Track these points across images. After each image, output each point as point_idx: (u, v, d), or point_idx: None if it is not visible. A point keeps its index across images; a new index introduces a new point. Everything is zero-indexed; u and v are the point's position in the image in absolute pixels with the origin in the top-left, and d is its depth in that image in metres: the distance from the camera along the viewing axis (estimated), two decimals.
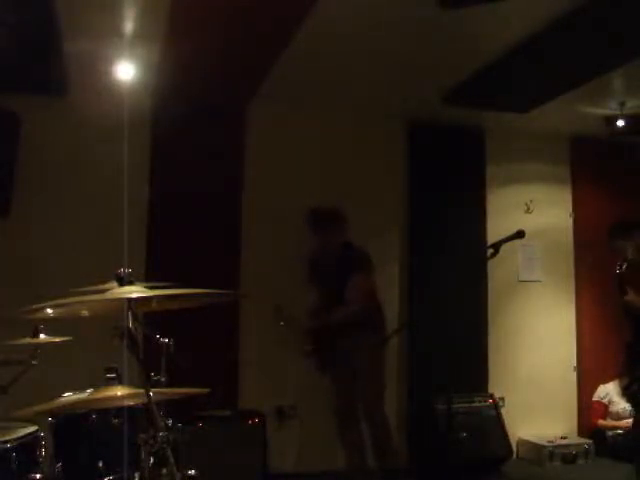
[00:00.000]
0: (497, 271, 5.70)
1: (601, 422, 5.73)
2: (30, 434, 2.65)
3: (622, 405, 5.63)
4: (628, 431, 5.29)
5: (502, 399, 5.65)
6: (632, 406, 5.13)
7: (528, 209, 6.07)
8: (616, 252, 4.31)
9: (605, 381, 5.85)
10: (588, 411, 5.90)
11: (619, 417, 5.68)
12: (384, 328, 4.69)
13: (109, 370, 2.58)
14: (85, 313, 2.43)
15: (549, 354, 5.98)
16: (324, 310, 4.54)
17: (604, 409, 5.77)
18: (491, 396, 5.54)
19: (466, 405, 5.28)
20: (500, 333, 5.85)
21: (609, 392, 5.80)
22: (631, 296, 4.14)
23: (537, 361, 5.93)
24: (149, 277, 4.35)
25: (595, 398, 5.85)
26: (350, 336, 4.45)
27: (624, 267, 4.22)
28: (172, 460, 2.05)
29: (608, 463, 5.40)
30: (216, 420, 4.34)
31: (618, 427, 5.56)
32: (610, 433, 5.55)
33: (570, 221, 6.21)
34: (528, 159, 6.15)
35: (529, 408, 5.81)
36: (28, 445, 2.62)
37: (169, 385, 2.53)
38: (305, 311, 4.67)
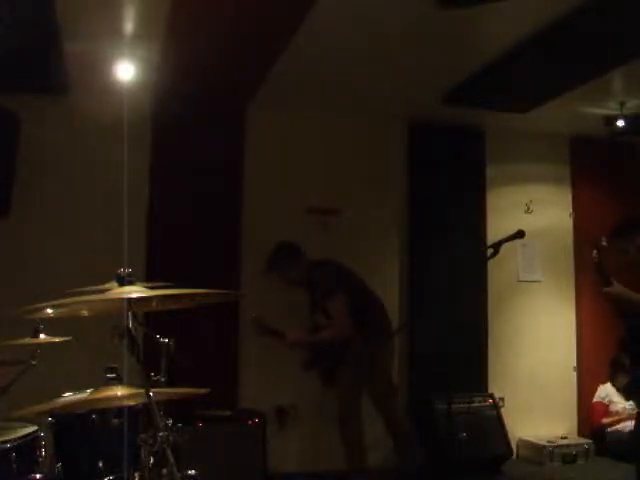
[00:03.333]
0: (497, 271, 5.70)
1: (605, 420, 5.71)
2: (30, 434, 2.64)
3: (622, 404, 5.64)
4: (630, 431, 5.29)
5: (502, 399, 5.65)
6: (633, 404, 5.14)
7: (528, 209, 6.06)
8: (618, 252, 4.23)
9: (604, 381, 5.85)
10: (588, 411, 5.89)
11: (620, 416, 5.68)
12: (389, 328, 4.71)
13: (109, 370, 2.58)
14: (85, 313, 2.43)
15: (549, 354, 5.97)
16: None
17: (605, 409, 5.76)
18: (491, 396, 5.54)
19: (466, 405, 5.27)
20: (500, 333, 5.85)
21: (609, 392, 5.79)
22: (616, 287, 3.67)
23: (537, 361, 5.92)
24: (149, 277, 4.35)
25: (596, 399, 5.84)
26: (356, 339, 4.47)
27: (598, 254, 3.73)
28: (172, 460, 2.05)
29: (608, 463, 5.40)
30: (216, 420, 4.34)
31: (622, 420, 5.55)
32: (614, 435, 5.54)
33: (570, 221, 6.21)
34: (528, 159, 6.14)
35: (529, 408, 5.81)
36: (28, 445, 2.61)
37: (169, 385, 2.52)
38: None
